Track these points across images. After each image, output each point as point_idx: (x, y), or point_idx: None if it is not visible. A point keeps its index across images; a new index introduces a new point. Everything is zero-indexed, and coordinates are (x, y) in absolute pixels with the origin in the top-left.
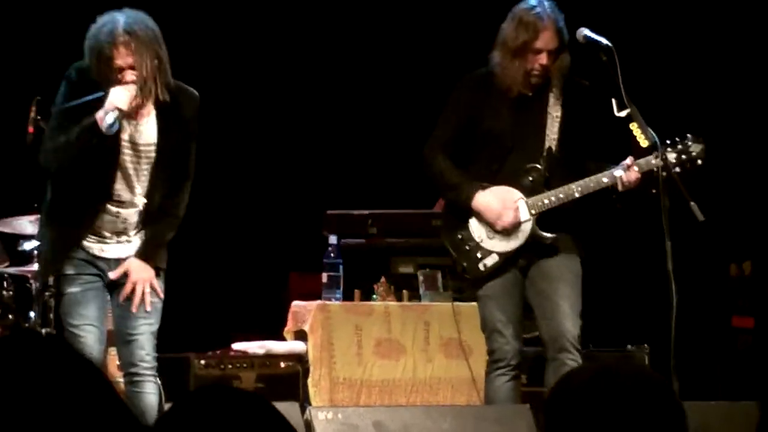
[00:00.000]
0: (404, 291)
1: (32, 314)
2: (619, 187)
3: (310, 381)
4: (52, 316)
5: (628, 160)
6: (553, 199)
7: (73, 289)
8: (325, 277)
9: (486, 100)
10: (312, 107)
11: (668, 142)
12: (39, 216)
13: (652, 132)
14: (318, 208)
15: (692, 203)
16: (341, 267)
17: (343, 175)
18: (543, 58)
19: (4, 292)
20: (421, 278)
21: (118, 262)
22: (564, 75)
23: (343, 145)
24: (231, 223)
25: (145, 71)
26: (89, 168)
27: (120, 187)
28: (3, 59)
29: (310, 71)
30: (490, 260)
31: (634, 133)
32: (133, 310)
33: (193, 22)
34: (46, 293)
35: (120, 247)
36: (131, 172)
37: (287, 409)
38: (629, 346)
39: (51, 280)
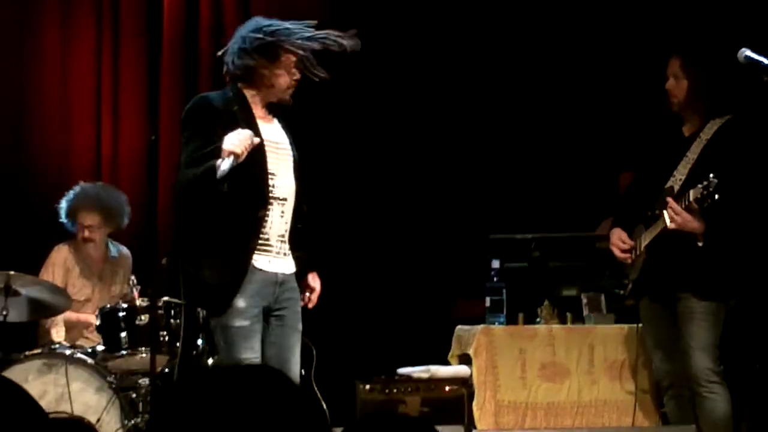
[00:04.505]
0: (568, 314)
1: (199, 342)
2: (668, 224)
3: (475, 404)
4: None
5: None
6: (650, 234)
7: (243, 323)
8: (488, 301)
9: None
10: (475, 133)
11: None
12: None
13: None
14: (482, 233)
15: None
16: (504, 291)
17: (507, 199)
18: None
19: (172, 321)
20: (584, 301)
21: (285, 277)
22: (709, 117)
23: (506, 170)
24: (396, 252)
25: None
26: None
27: (276, 183)
28: None
29: (475, 99)
30: (630, 285)
31: None
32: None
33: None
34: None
35: (282, 262)
36: (277, 167)
37: None
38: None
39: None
